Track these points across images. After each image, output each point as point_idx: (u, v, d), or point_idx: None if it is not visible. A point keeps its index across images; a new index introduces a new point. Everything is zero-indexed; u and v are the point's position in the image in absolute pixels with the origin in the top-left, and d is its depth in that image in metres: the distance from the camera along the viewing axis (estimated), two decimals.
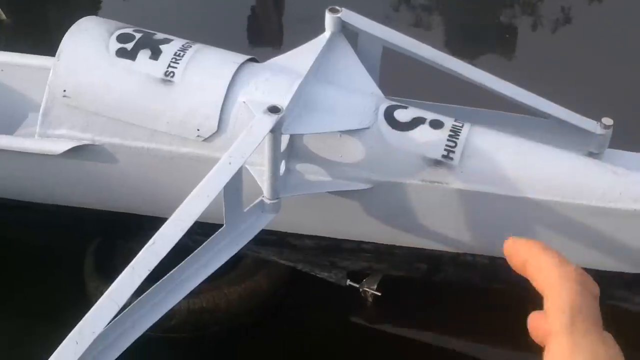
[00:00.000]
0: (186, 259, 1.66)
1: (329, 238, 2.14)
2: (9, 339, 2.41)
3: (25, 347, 2.34)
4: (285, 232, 2.14)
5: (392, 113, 1.90)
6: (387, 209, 1.99)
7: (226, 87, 1.90)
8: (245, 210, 1.76)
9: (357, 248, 2.15)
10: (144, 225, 1.94)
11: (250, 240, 1.78)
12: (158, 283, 1.61)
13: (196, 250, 1.67)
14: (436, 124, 1.88)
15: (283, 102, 1.76)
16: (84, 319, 1.45)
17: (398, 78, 2.29)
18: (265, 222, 1.81)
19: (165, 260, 1.53)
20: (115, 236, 2.46)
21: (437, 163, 1.85)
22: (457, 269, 2.12)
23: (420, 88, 2.54)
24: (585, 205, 1.83)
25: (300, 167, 1.92)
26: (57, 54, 1.97)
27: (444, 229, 2.01)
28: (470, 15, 4.47)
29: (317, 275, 2.30)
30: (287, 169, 1.90)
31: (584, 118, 2.08)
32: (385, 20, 2.22)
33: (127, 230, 2.27)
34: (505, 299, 1.99)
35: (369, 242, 2.12)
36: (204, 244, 1.69)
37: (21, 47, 2.60)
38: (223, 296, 2.34)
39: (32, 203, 2.23)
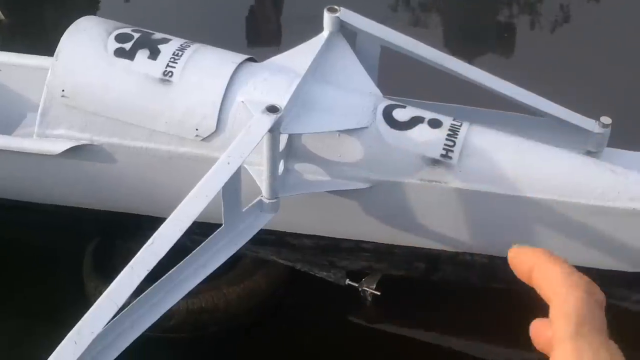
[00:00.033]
0: (185, 259, 1.66)
1: (328, 237, 2.14)
2: (9, 339, 2.41)
3: (25, 347, 2.34)
4: (284, 232, 2.14)
5: (391, 112, 1.90)
6: (385, 208, 1.99)
7: (224, 87, 1.90)
8: (244, 210, 1.76)
9: (356, 247, 2.15)
10: (142, 225, 1.94)
11: (249, 240, 1.78)
12: (157, 283, 1.61)
13: (195, 250, 1.67)
14: (435, 123, 1.88)
15: (281, 101, 1.76)
16: (82, 319, 1.45)
17: (396, 77, 2.29)
18: (264, 221, 1.81)
19: (164, 260, 1.53)
20: (114, 236, 2.46)
21: (435, 162, 1.85)
22: (455, 268, 2.12)
23: (419, 87, 2.54)
24: (583, 204, 1.83)
25: (298, 166, 1.92)
26: (55, 53, 1.97)
27: (443, 228, 2.01)
28: (469, 15, 4.47)
29: (316, 274, 2.30)
30: (286, 169, 1.90)
31: (582, 117, 2.08)
32: (384, 20, 2.22)
33: (125, 230, 2.27)
34: (504, 298, 2.00)
35: (367, 242, 2.12)
36: (203, 243, 1.69)
37: (18, 47, 2.60)
38: (222, 296, 2.33)
39: (31, 203, 2.23)
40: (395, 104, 1.94)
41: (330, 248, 2.18)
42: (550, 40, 4.14)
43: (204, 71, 1.93)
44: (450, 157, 1.84)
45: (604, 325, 0.49)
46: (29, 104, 2.39)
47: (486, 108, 2.15)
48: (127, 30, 2.01)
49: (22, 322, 2.46)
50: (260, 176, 1.77)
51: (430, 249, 2.07)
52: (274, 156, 1.72)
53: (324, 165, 1.91)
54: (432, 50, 2.04)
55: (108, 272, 2.09)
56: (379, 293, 2.38)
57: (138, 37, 1.98)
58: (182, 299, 1.67)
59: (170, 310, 1.65)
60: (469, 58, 3.13)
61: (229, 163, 1.62)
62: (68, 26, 2.02)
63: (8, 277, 2.52)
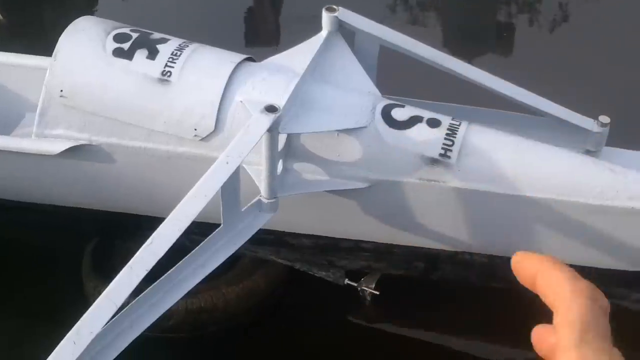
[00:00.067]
0: (184, 259, 1.65)
1: (327, 237, 2.14)
2: (9, 339, 2.41)
3: (24, 347, 2.33)
4: (283, 232, 2.13)
5: (390, 112, 1.90)
6: (384, 207, 1.99)
7: (223, 87, 1.90)
8: (242, 209, 1.76)
9: (355, 247, 2.15)
10: (141, 225, 1.94)
11: (248, 240, 1.78)
12: (156, 283, 1.61)
13: (194, 250, 1.67)
14: (433, 123, 1.88)
15: (280, 101, 1.76)
16: (82, 319, 1.45)
17: (395, 77, 2.29)
18: (262, 221, 1.81)
19: (163, 260, 1.53)
20: (112, 236, 2.45)
21: (434, 161, 1.85)
22: (455, 267, 2.12)
23: (418, 87, 2.54)
24: (582, 203, 1.83)
25: (297, 166, 1.92)
26: (53, 53, 1.97)
27: (442, 228, 2.01)
28: (468, 15, 4.47)
29: (315, 274, 2.30)
30: (285, 168, 1.90)
31: (581, 116, 2.08)
32: (382, 20, 2.22)
33: (124, 230, 2.27)
34: (503, 298, 1.99)
35: (366, 241, 2.12)
36: (202, 243, 1.69)
37: (16, 47, 2.59)
38: (221, 296, 2.33)
39: (30, 203, 2.23)
40: (394, 104, 1.94)
41: (329, 248, 2.18)
42: (549, 40, 4.14)
43: (203, 71, 1.93)
44: (449, 157, 1.84)
45: (608, 332, 0.49)
46: (27, 104, 2.39)
47: (484, 107, 2.15)
48: (126, 30, 2.01)
49: (22, 322, 2.46)
50: (259, 176, 1.77)
51: (429, 248, 2.07)
52: (273, 156, 1.72)
53: (323, 165, 1.91)
54: (430, 49, 2.04)
55: (107, 272, 2.09)
56: (378, 292, 2.38)
57: (136, 37, 1.98)
58: (181, 298, 1.67)
59: (169, 310, 1.65)
60: (468, 58, 3.13)
61: (227, 163, 1.62)
62: (66, 26, 2.02)
63: (8, 277, 2.52)
